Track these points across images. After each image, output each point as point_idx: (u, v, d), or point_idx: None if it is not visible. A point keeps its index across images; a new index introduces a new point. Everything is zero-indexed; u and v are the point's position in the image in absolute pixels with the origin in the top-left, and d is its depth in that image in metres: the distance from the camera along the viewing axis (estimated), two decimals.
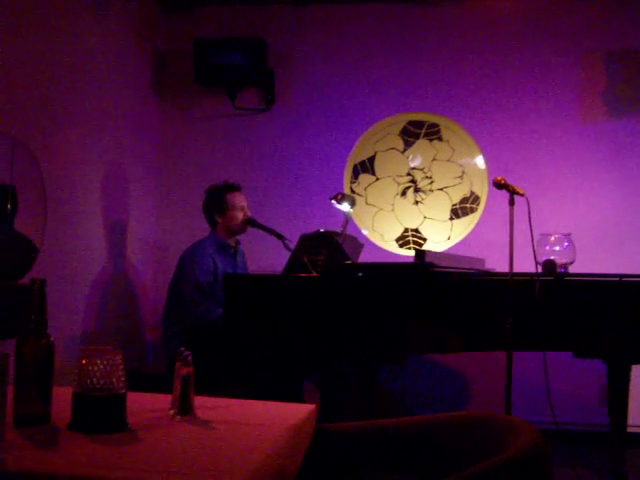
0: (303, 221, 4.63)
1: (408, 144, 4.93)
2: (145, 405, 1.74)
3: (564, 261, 3.43)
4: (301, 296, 3.28)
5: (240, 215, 4.09)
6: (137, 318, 4.71)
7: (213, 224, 4.13)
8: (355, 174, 4.96)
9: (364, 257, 4.14)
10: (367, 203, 4.94)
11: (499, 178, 3.37)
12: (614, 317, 3.28)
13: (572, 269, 3.48)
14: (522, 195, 3.27)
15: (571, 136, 4.71)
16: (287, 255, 3.83)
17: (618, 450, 3.34)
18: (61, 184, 3.72)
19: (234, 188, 4.14)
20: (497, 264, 3.74)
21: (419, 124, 4.93)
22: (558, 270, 3.36)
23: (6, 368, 1.44)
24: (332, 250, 3.49)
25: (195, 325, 3.87)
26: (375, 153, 4.95)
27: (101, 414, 1.51)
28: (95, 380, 1.51)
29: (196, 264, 3.95)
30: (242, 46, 4.74)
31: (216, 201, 4.10)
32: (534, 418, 2.45)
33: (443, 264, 3.37)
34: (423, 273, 3.27)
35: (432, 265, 3.26)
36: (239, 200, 4.12)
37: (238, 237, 4.21)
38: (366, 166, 4.96)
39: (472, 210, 4.86)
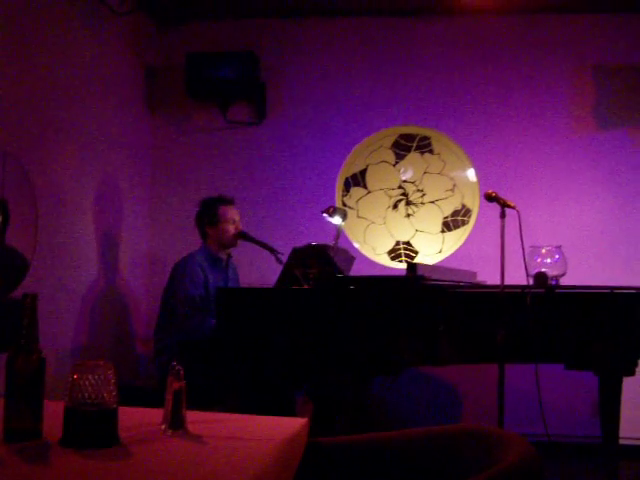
0: (295, 234, 4.64)
1: (399, 157, 4.95)
2: (136, 419, 1.73)
3: (555, 273, 3.44)
4: (293, 309, 3.28)
5: (231, 228, 4.09)
6: (129, 331, 4.70)
7: (204, 236, 4.13)
8: (347, 187, 4.97)
9: (356, 270, 4.15)
10: (359, 216, 4.95)
11: (490, 191, 3.39)
12: (605, 329, 3.29)
13: (563, 281, 3.49)
14: (513, 208, 3.29)
15: (561, 149, 4.74)
16: (279, 268, 3.83)
17: (611, 462, 3.34)
18: (53, 197, 3.72)
19: (227, 201, 4.14)
20: (489, 277, 3.75)
21: (410, 137, 4.95)
22: (549, 282, 3.37)
23: None
24: (324, 263, 3.49)
25: (187, 338, 3.86)
26: (367, 166, 4.97)
27: (92, 429, 1.50)
28: (86, 395, 1.50)
29: (187, 277, 3.95)
30: (234, 60, 4.75)
31: (208, 213, 4.10)
32: (526, 431, 2.45)
33: (435, 277, 3.37)
34: (415, 286, 3.27)
35: (424, 278, 3.26)
36: (231, 213, 4.11)
37: (230, 250, 4.21)
38: (358, 179, 4.97)
39: (463, 223, 4.88)
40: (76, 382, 1.51)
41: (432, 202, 4.91)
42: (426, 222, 4.91)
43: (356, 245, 4.90)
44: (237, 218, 4.13)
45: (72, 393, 1.51)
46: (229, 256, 4.20)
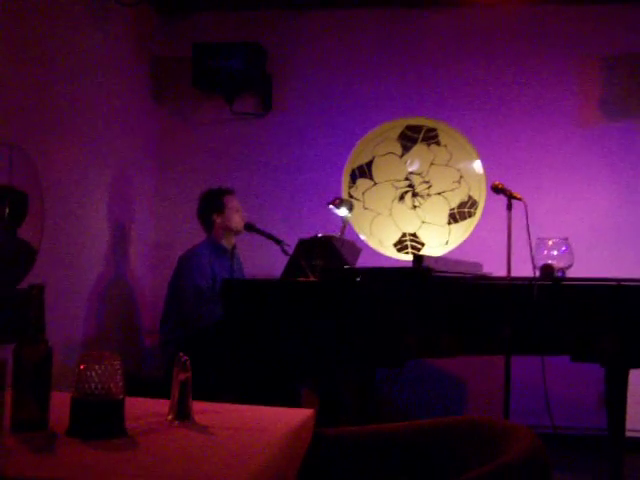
0: (301, 226, 4.63)
1: (406, 149, 4.94)
2: (143, 410, 1.74)
3: (562, 265, 3.43)
4: (299, 301, 3.28)
5: (237, 216, 4.13)
6: (135, 322, 4.71)
7: (209, 226, 4.14)
8: (353, 179, 4.96)
9: (362, 262, 4.14)
10: (365, 208, 4.94)
11: (497, 182, 3.38)
12: (612, 321, 3.28)
13: (570, 273, 3.48)
14: (520, 199, 3.28)
15: (568, 140, 4.72)
16: (285, 260, 3.84)
17: (616, 455, 3.33)
18: (59, 189, 3.72)
19: (230, 192, 4.18)
20: (495, 268, 3.75)
21: (417, 129, 4.93)
22: (556, 274, 3.36)
23: (4, 374, 1.45)
24: (330, 255, 3.49)
25: (195, 328, 3.88)
26: (373, 158, 4.96)
27: (99, 420, 1.51)
28: (93, 385, 1.50)
29: (194, 267, 3.97)
30: (240, 51, 4.74)
31: (214, 201, 4.13)
32: (532, 422, 2.45)
33: (441, 268, 3.37)
34: (421, 277, 3.27)
35: (430, 269, 3.26)
36: (235, 202, 4.16)
37: (235, 242, 4.22)
38: (364, 171, 4.96)
39: (470, 214, 4.87)
40: (83, 373, 1.51)
41: (438, 194, 4.90)
42: (432, 214, 4.90)
43: (362, 237, 4.89)
44: (240, 207, 4.18)
45: (79, 384, 1.51)
46: (234, 247, 4.21)
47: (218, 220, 4.11)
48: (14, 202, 3.26)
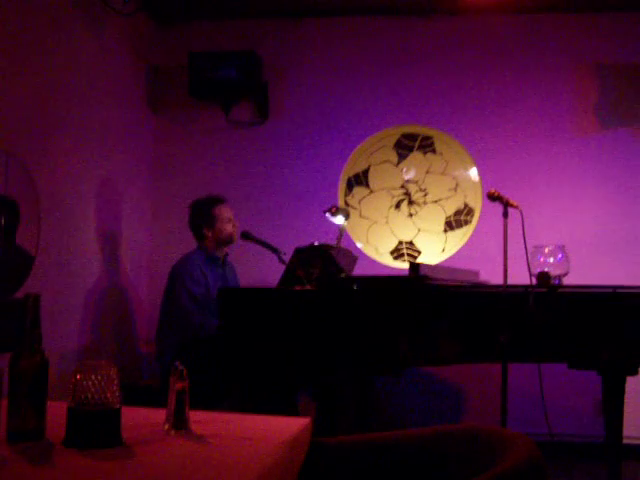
0: (297, 234, 4.63)
1: (402, 157, 4.95)
2: (139, 419, 1.74)
3: (558, 273, 3.43)
4: (296, 309, 3.28)
5: (229, 227, 4.11)
6: (132, 330, 4.70)
7: (201, 238, 4.13)
8: (349, 187, 4.97)
9: (358, 270, 4.14)
10: (361, 216, 4.94)
11: (493, 190, 3.38)
12: (608, 328, 3.28)
13: (566, 280, 3.49)
14: (516, 207, 3.28)
15: (564, 148, 4.74)
16: (282, 268, 3.83)
17: (614, 462, 3.33)
18: (55, 197, 3.72)
19: (219, 201, 4.15)
20: (491, 276, 3.75)
21: (413, 137, 4.94)
22: (552, 282, 3.37)
23: (0, 383, 1.44)
24: (326, 263, 3.49)
25: (191, 336, 3.87)
26: (369, 166, 4.97)
27: (96, 429, 1.50)
28: (90, 395, 1.50)
29: (187, 275, 3.97)
30: (236, 60, 4.75)
31: (203, 215, 4.10)
32: (529, 430, 2.44)
33: (437, 276, 3.37)
34: (417, 286, 3.27)
35: (426, 278, 3.26)
36: (226, 212, 4.13)
37: (228, 250, 4.22)
38: (360, 179, 4.97)
39: (466, 222, 4.87)
40: (79, 382, 1.51)
41: (435, 202, 4.91)
42: (429, 222, 4.90)
43: (359, 245, 4.89)
44: (232, 215, 4.15)
45: (75, 393, 1.51)
46: (226, 255, 4.21)
47: (209, 234, 4.10)
48: (8, 211, 3.27)
